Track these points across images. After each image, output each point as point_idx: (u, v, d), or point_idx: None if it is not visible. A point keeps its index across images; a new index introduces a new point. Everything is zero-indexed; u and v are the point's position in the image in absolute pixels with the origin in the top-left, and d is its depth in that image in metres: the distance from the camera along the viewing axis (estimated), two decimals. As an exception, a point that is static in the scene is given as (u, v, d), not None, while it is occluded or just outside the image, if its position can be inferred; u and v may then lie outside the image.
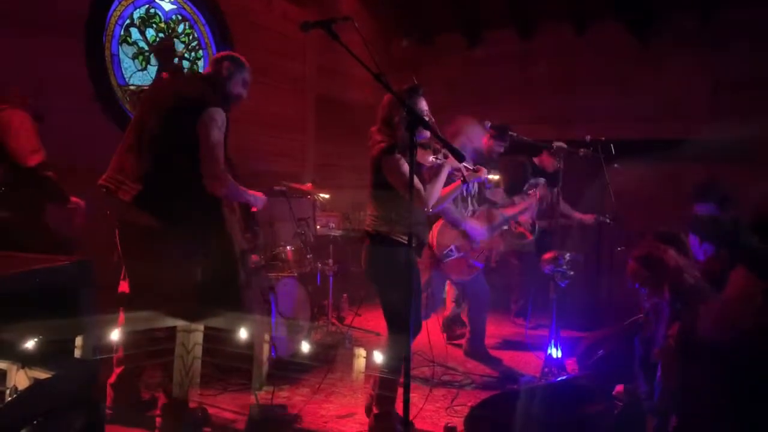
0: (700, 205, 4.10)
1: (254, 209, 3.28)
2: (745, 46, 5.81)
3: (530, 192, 4.59)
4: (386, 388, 3.21)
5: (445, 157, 3.26)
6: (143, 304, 2.91)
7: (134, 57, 5.02)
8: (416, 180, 3.09)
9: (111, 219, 3.01)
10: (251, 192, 3.22)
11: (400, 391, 2.81)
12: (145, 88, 4.86)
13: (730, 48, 5.92)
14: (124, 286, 3.18)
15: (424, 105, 3.22)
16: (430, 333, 3.78)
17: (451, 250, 4.23)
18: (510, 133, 4.83)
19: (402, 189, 3.05)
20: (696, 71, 6.11)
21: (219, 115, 2.89)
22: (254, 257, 4.17)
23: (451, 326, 5.17)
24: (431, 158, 3.26)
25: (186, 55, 5.52)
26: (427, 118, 3.21)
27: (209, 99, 2.91)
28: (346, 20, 2.35)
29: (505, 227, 4.61)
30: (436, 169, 3.26)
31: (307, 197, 5.54)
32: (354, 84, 6.89)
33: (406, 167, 2.99)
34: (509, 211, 4.55)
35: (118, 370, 3.12)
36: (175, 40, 5.39)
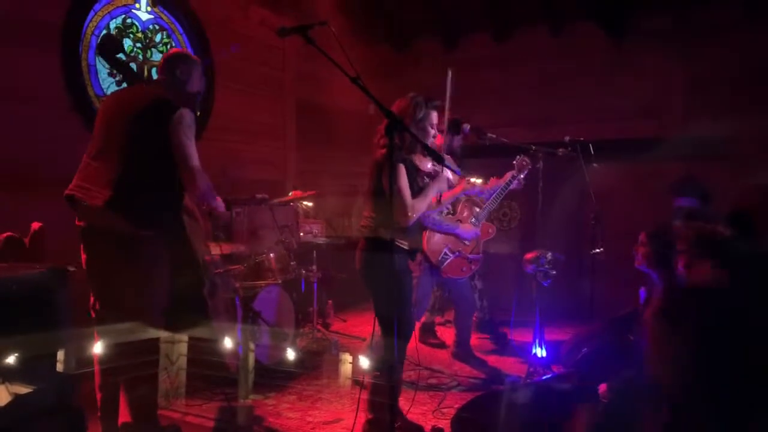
0: (680, 199, 4.17)
1: (219, 211, 3.23)
2: (718, 46, 5.91)
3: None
4: (379, 394, 3.21)
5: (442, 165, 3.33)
6: (112, 316, 2.85)
7: (111, 67, 4.98)
8: (407, 192, 3.13)
9: (77, 229, 2.95)
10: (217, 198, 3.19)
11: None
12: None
13: (703, 47, 6.02)
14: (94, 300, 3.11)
15: (434, 117, 3.31)
16: (415, 337, 3.79)
17: (445, 254, 4.29)
18: (490, 134, 4.86)
19: (393, 197, 3.07)
20: (670, 70, 6.20)
21: (188, 115, 2.89)
22: (209, 259, 4.10)
23: (425, 333, 5.19)
24: (429, 165, 3.31)
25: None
26: (433, 132, 3.31)
27: (176, 101, 2.91)
28: (322, 25, 2.35)
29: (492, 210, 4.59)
30: (425, 186, 3.31)
31: (290, 204, 5.53)
32: (334, 90, 6.89)
33: (403, 177, 3.09)
34: (488, 189, 4.47)
35: (99, 396, 2.98)
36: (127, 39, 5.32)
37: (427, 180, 3.37)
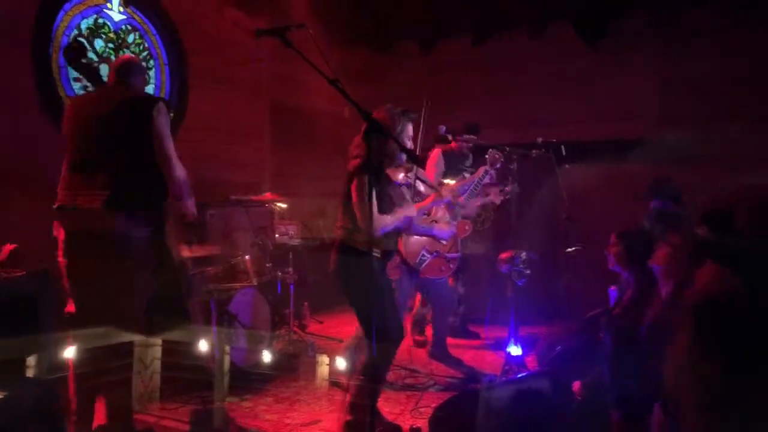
0: (655, 201, 4.24)
1: (189, 217, 3.21)
2: (696, 49, 6.04)
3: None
4: (361, 396, 3.21)
5: (415, 176, 3.41)
6: (93, 320, 2.82)
7: (83, 68, 4.91)
8: (374, 207, 3.14)
9: (64, 233, 2.92)
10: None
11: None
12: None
13: (679, 50, 6.14)
14: (72, 306, 3.08)
15: (410, 130, 3.36)
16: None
17: (423, 255, 4.31)
18: (466, 136, 4.92)
19: (357, 209, 3.13)
20: (646, 73, 6.31)
21: (164, 108, 2.95)
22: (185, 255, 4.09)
23: (414, 327, 5.22)
24: (401, 176, 3.34)
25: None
26: (409, 143, 3.35)
27: (153, 96, 2.95)
28: (300, 27, 2.36)
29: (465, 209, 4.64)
30: (396, 196, 3.35)
31: (265, 206, 5.51)
32: (310, 91, 6.89)
33: (372, 191, 3.07)
34: (458, 189, 4.53)
35: (74, 400, 2.93)
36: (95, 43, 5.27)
37: (398, 189, 3.40)
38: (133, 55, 3.53)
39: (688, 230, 2.99)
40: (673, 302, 2.75)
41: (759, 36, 5.78)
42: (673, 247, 2.89)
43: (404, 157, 3.30)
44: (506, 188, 4.63)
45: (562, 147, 4.75)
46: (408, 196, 3.55)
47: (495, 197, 4.80)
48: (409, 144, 3.36)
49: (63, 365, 2.88)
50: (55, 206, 2.88)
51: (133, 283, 2.83)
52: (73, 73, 4.85)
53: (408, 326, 5.19)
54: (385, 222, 3.21)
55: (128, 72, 3.10)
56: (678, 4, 6.17)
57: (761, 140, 4.92)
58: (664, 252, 2.92)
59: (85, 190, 2.83)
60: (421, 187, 3.82)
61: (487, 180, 4.51)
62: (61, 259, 2.95)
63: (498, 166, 4.48)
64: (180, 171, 2.93)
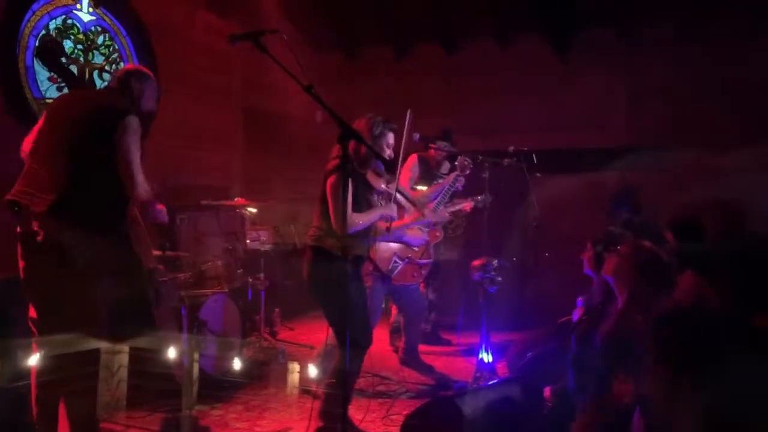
0: (615, 210, 4.32)
1: (160, 221, 3.15)
2: (660, 59, 6.17)
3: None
4: (331, 403, 3.19)
5: (396, 189, 3.48)
6: (53, 327, 2.75)
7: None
8: (349, 204, 3.15)
9: (19, 234, 2.84)
10: (159, 206, 3.12)
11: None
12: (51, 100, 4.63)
13: (645, 61, 6.27)
14: (33, 311, 2.98)
15: (390, 138, 3.40)
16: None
17: (395, 262, 4.30)
18: (440, 143, 4.95)
19: (330, 207, 3.17)
20: (612, 83, 6.43)
21: (135, 121, 2.83)
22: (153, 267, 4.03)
23: (392, 335, 5.22)
24: (383, 185, 3.36)
25: (107, 67, 5.34)
26: (388, 152, 3.39)
27: (125, 107, 2.85)
28: (274, 33, 2.35)
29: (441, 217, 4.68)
30: (375, 204, 3.38)
31: (236, 211, 5.46)
32: (283, 96, 6.83)
33: (346, 188, 3.06)
34: (430, 194, 4.59)
35: (36, 410, 2.83)
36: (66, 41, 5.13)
37: (377, 198, 3.40)
38: (136, 65, 3.42)
39: (636, 240, 3.03)
40: (626, 313, 2.78)
41: (719, 46, 5.95)
42: (620, 256, 2.92)
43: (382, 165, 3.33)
44: (477, 196, 4.70)
45: (534, 155, 4.80)
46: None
47: (466, 205, 4.86)
48: (388, 152, 3.37)
49: (26, 373, 2.80)
50: (6, 198, 2.79)
51: (86, 291, 2.74)
52: (48, 73, 4.76)
53: (387, 333, 5.20)
54: (359, 220, 3.23)
55: (122, 81, 3.02)
56: (642, 16, 6.31)
57: (726, 148, 5.04)
58: (613, 262, 2.95)
59: (38, 190, 2.75)
60: (402, 201, 3.85)
61: (458, 186, 4.57)
62: (19, 260, 2.86)
63: (467, 172, 4.54)
64: (142, 189, 2.81)
